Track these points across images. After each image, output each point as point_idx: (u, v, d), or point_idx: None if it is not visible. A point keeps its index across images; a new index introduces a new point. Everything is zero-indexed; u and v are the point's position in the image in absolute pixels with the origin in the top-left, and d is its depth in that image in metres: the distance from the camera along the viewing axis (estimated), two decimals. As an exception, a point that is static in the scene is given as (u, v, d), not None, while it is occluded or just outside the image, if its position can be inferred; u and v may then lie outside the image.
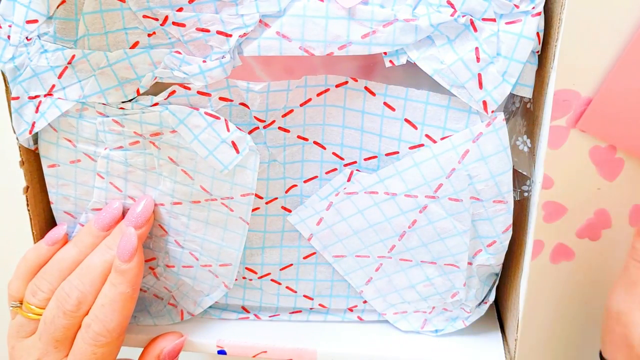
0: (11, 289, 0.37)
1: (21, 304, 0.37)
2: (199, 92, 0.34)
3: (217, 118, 0.34)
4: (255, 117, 0.35)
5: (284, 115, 0.35)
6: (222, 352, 0.39)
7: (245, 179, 0.35)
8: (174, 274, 0.39)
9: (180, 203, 0.37)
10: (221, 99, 0.34)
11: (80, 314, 0.35)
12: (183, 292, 0.40)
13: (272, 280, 0.39)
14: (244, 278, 0.39)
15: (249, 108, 0.34)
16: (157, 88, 0.34)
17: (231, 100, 0.34)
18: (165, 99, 0.34)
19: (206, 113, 0.34)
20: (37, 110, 0.35)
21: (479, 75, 0.32)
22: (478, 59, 0.32)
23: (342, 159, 0.36)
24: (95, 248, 0.36)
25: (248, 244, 0.38)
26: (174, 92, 0.34)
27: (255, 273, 0.39)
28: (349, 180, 0.36)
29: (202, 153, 0.34)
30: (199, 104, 0.34)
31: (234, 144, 0.34)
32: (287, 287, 0.40)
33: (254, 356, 0.38)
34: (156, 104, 0.34)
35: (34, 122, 0.35)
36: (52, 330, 0.35)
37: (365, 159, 0.36)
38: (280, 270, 0.39)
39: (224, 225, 0.37)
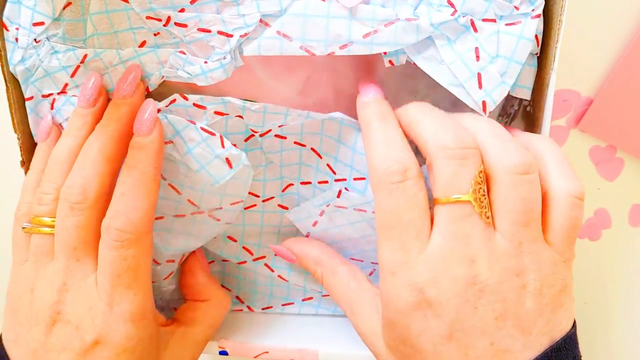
0: (19, 209, 0.32)
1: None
2: (194, 105, 0.33)
3: (212, 134, 0.33)
4: (251, 129, 0.34)
5: (281, 126, 0.35)
6: (223, 353, 0.39)
7: (237, 189, 0.35)
8: (155, 288, 0.38)
9: (162, 218, 0.36)
10: (216, 113, 0.34)
11: (88, 205, 0.30)
12: (166, 299, 0.40)
13: (265, 265, 0.39)
14: (239, 263, 0.39)
15: (244, 119, 0.34)
16: (162, 89, 0.34)
17: (227, 114, 0.34)
18: (166, 107, 0.33)
19: (202, 128, 0.33)
20: (52, 107, 0.34)
21: (479, 74, 0.32)
22: (478, 58, 0.32)
23: (334, 172, 0.36)
24: (87, 128, 0.32)
25: (247, 228, 0.38)
26: (174, 100, 0.33)
27: (251, 254, 0.39)
28: (338, 197, 0.36)
29: (193, 166, 0.34)
30: (195, 115, 0.34)
31: (227, 160, 0.34)
32: (279, 276, 0.40)
33: (255, 357, 0.38)
34: (159, 110, 0.34)
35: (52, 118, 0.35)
36: (66, 238, 0.30)
37: (354, 179, 0.35)
38: (275, 255, 0.39)
39: (207, 234, 0.37)
